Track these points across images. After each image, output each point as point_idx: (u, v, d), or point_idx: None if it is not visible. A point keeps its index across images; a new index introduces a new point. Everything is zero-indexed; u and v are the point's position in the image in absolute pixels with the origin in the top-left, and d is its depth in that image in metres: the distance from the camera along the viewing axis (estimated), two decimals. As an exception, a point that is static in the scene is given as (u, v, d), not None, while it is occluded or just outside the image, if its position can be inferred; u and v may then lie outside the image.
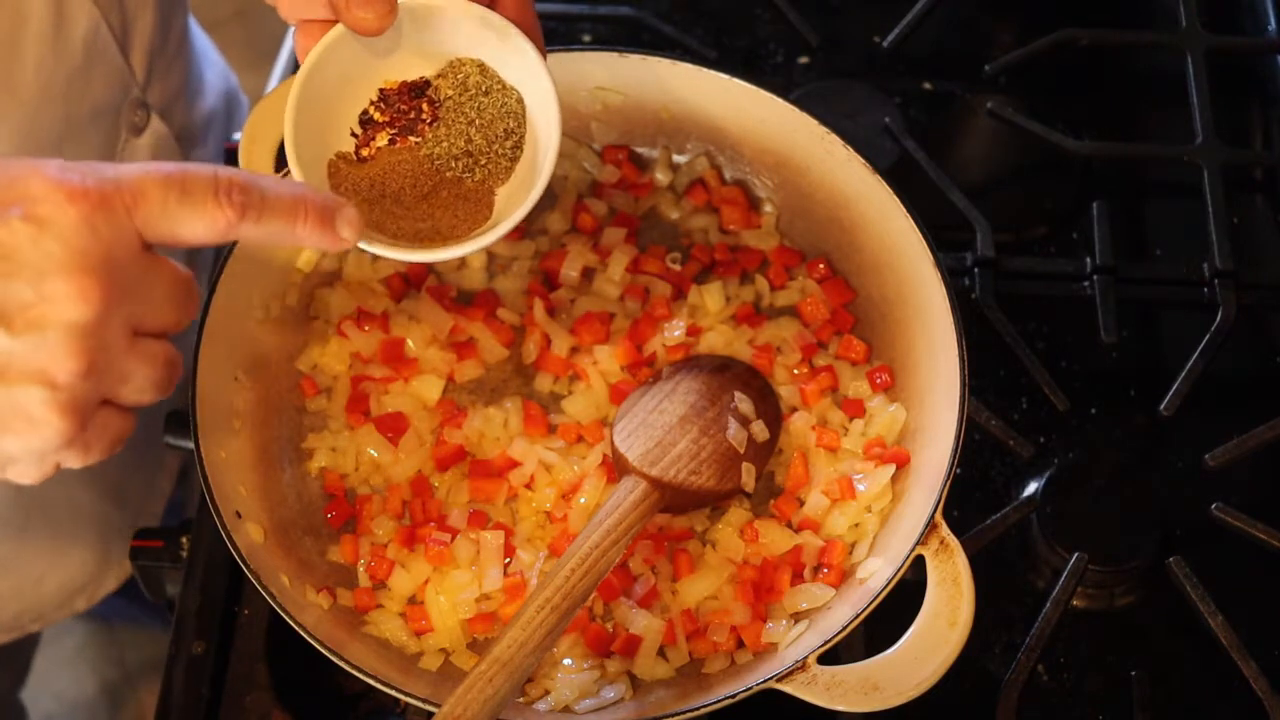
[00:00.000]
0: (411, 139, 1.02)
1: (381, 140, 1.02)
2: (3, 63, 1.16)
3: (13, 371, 0.79)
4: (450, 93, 1.01)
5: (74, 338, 0.79)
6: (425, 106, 1.01)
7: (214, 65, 1.60)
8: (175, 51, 1.42)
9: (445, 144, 1.02)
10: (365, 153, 1.02)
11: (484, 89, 1.02)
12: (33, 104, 1.18)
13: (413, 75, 1.03)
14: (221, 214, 0.84)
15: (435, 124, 1.01)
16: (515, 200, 1.01)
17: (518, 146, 1.02)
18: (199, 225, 0.84)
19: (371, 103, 1.03)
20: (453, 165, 1.02)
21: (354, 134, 1.03)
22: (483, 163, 1.02)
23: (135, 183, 0.82)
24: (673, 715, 1.02)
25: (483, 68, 1.02)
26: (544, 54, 1.02)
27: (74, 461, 0.85)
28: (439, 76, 1.02)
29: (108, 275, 0.80)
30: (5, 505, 1.38)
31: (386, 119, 1.02)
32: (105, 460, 1.47)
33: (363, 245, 0.96)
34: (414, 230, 1.01)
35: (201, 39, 1.59)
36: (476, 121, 1.01)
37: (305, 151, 0.98)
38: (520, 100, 1.02)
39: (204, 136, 1.52)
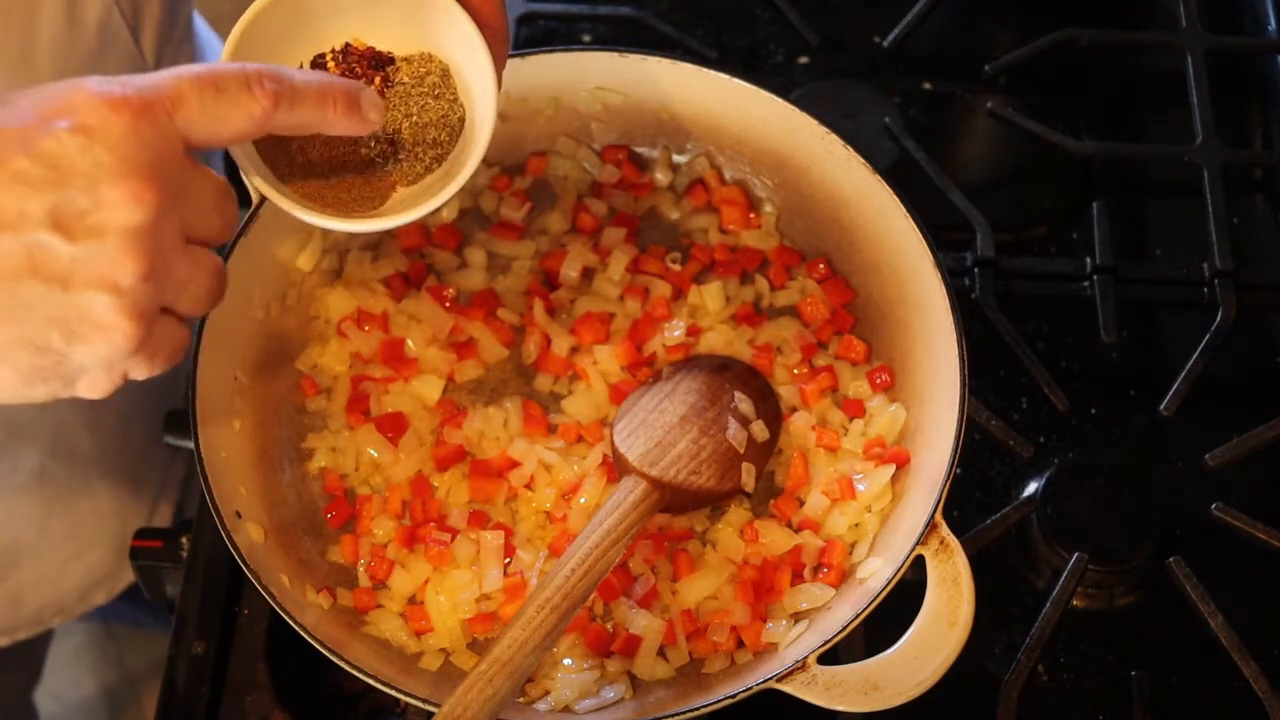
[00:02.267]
0: None
1: None
2: (20, 43, 1.18)
3: (77, 279, 0.80)
4: (406, 80, 1.00)
5: (133, 241, 0.81)
6: (378, 80, 1.00)
7: (217, 55, 1.61)
8: (182, 38, 1.43)
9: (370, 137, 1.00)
10: None
11: (435, 92, 1.00)
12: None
13: (382, 45, 1.02)
14: (257, 104, 0.85)
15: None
16: (411, 202, 1.00)
17: (438, 160, 1.00)
18: (237, 119, 0.85)
19: (332, 50, 1.01)
20: (371, 146, 1.00)
21: (301, 67, 1.01)
22: (400, 157, 1.00)
23: (173, 87, 0.83)
24: (673, 715, 1.02)
25: (446, 74, 1.01)
26: (500, 70, 1.01)
27: (140, 371, 0.86)
28: (406, 61, 1.01)
29: (157, 179, 0.81)
30: (29, 498, 1.39)
31: (338, 72, 1.00)
32: (123, 449, 1.49)
33: (258, 184, 0.96)
34: (305, 187, 1.00)
35: (205, 30, 1.61)
36: (414, 118, 1.00)
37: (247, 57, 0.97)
38: (462, 120, 1.00)
39: None
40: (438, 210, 1.26)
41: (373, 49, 1.01)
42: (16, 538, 1.41)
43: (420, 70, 1.00)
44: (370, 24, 1.01)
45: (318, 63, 1.01)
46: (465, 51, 1.00)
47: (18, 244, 0.79)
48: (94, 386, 0.86)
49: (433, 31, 1.01)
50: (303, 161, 1.00)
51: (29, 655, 1.68)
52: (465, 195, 1.28)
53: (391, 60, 1.01)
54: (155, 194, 0.81)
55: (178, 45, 1.42)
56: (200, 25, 1.60)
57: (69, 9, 1.19)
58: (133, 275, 0.81)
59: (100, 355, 0.83)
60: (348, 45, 1.00)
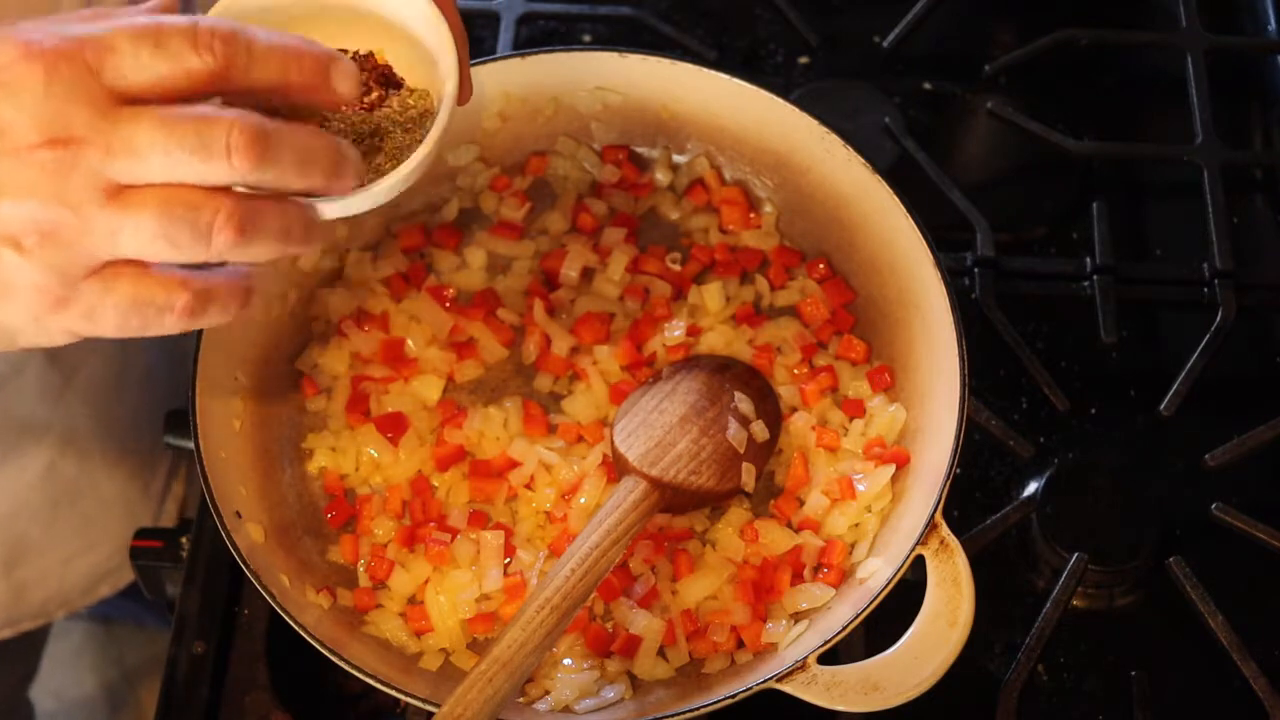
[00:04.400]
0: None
1: None
2: None
3: None
4: (394, 107, 1.00)
5: (29, 200, 0.78)
6: (374, 97, 1.00)
7: None
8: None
9: (343, 129, 0.98)
10: None
11: (408, 126, 1.00)
12: None
13: (385, 55, 1.02)
14: (200, 64, 0.80)
15: (360, 111, 1.00)
16: (323, 203, 0.99)
17: (362, 185, 1.00)
18: (175, 75, 0.80)
19: (355, 53, 1.00)
20: None
21: None
22: None
23: (103, 38, 0.79)
24: (673, 715, 1.02)
25: (427, 114, 1.00)
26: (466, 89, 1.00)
27: (88, 327, 0.83)
28: (409, 92, 1.01)
29: (56, 134, 0.78)
30: (37, 495, 1.39)
31: None
32: (131, 447, 1.49)
33: None
34: None
35: None
36: (375, 140, 0.99)
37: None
38: (409, 166, 0.99)
39: None
40: (438, 210, 1.26)
41: (389, 67, 1.01)
42: (24, 533, 1.41)
43: (409, 102, 1.01)
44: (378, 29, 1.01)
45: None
46: (439, 56, 1.00)
47: None
48: (38, 341, 0.84)
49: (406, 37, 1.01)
50: None
51: (27, 650, 1.68)
52: (465, 195, 1.28)
53: (400, 85, 1.01)
54: (51, 149, 0.77)
55: None
56: None
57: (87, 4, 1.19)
58: (30, 235, 0.79)
59: (19, 311, 0.82)
60: (370, 54, 1.01)
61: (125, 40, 0.79)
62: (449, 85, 0.99)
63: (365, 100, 0.99)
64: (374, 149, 0.99)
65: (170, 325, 0.85)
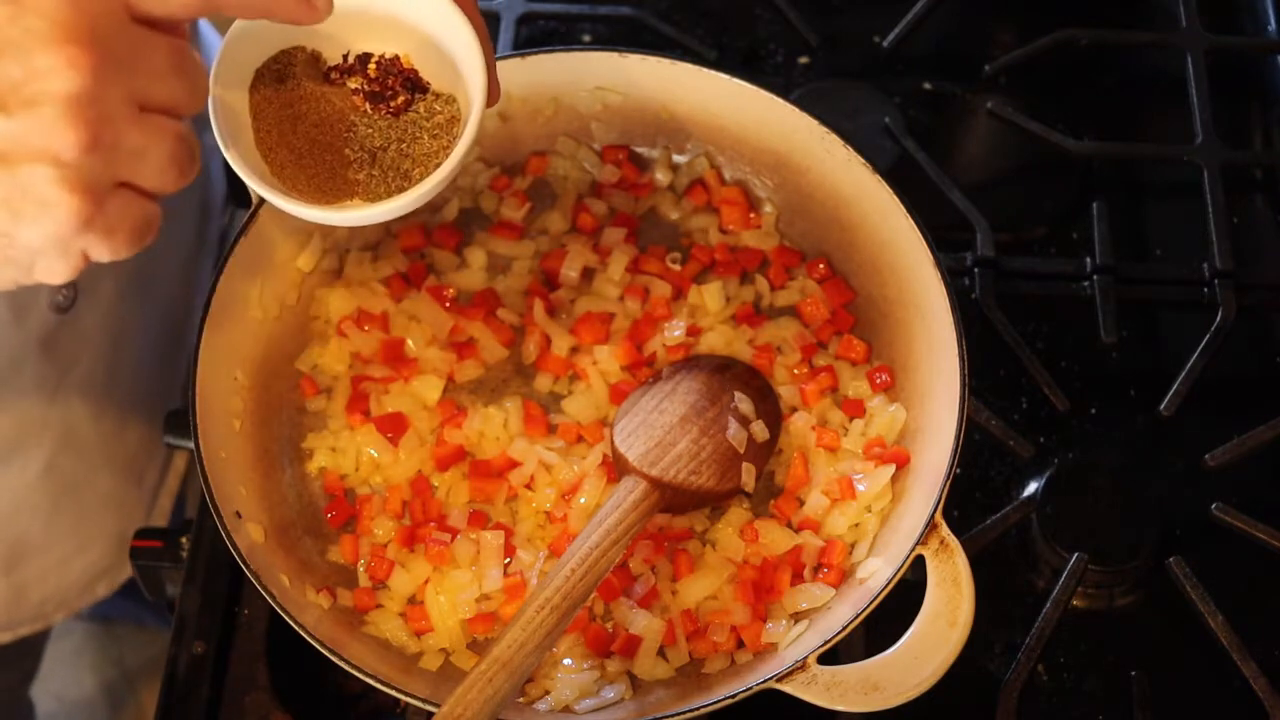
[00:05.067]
0: (365, 104, 1.01)
1: (352, 82, 1.01)
2: None
3: (16, 153, 0.77)
4: (420, 111, 1.01)
5: (71, 108, 0.77)
6: (400, 101, 1.00)
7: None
8: (189, 37, 1.43)
9: (371, 133, 1.00)
10: (334, 75, 1.01)
11: (435, 132, 1.00)
12: None
13: (409, 60, 1.02)
14: None
15: (387, 115, 1.00)
16: (355, 210, 1.00)
17: (400, 190, 1.00)
18: (188, 4, 0.81)
19: (380, 56, 1.02)
20: (355, 148, 1.00)
21: (345, 56, 1.01)
22: (373, 173, 0.99)
23: None
24: (673, 715, 1.02)
25: (454, 120, 1.01)
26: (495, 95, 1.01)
27: (100, 251, 0.83)
28: (434, 97, 1.02)
29: (95, 44, 0.77)
30: (37, 494, 1.39)
31: (374, 75, 1.01)
32: (125, 442, 1.49)
33: (224, 151, 0.95)
34: (273, 156, 0.99)
35: (210, 33, 1.61)
36: (404, 145, 1.00)
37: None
38: (439, 170, 1.00)
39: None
40: (438, 210, 1.27)
41: (415, 71, 1.01)
42: (24, 533, 1.41)
43: (435, 107, 1.01)
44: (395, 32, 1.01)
45: (363, 57, 1.00)
46: (466, 67, 1.00)
47: None
48: (51, 271, 0.83)
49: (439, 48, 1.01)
50: (289, 134, 0.99)
51: (27, 652, 1.68)
52: (465, 195, 1.28)
53: (426, 90, 1.01)
54: (92, 58, 0.77)
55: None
56: (205, 30, 1.61)
57: None
58: (74, 146, 0.77)
59: (48, 232, 0.80)
60: (396, 58, 1.01)
61: None
62: (477, 90, 0.99)
63: (392, 104, 1.00)
64: (402, 154, 0.99)
65: (151, 239, 0.86)
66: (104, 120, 0.78)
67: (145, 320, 1.47)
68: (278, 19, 0.88)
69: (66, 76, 0.76)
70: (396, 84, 1.01)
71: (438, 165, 0.99)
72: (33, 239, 0.81)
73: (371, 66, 1.01)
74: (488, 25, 1.48)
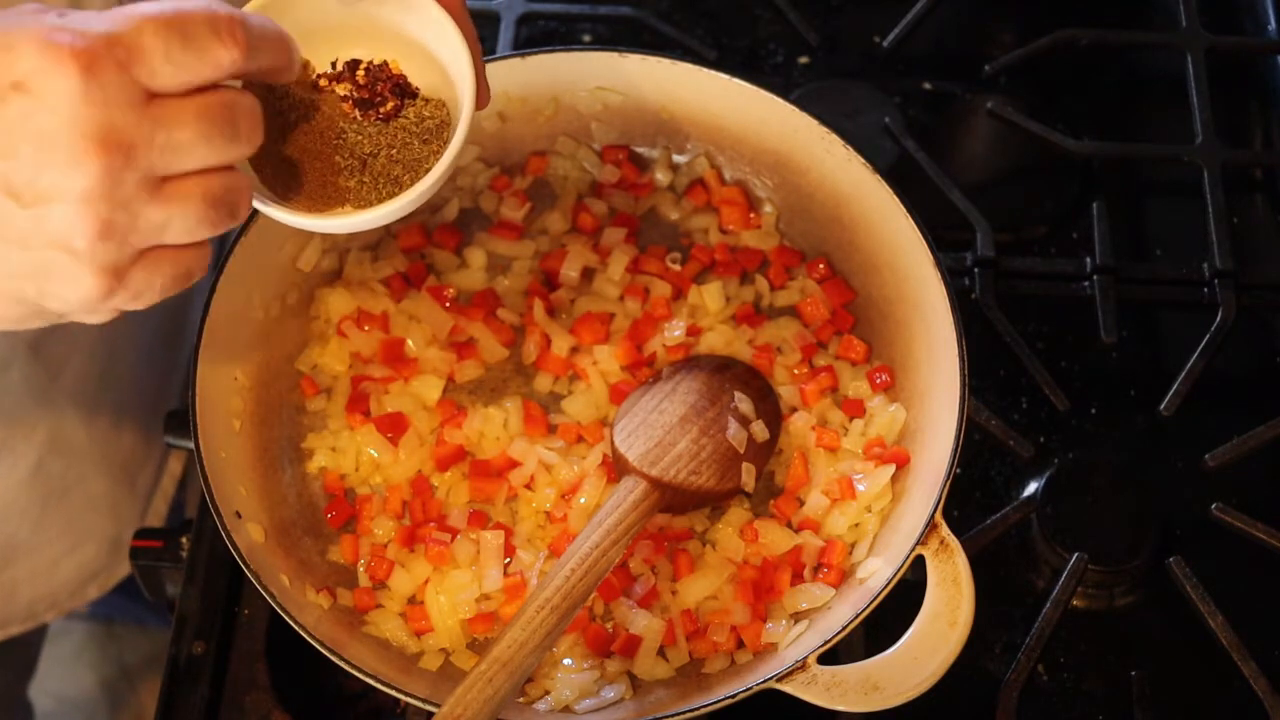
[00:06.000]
0: (354, 110, 1.00)
1: (341, 89, 1.01)
2: None
3: (34, 241, 0.80)
4: (410, 117, 1.00)
5: (81, 205, 0.79)
6: (389, 107, 1.00)
7: None
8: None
9: (361, 140, 1.00)
10: (322, 82, 1.01)
11: (425, 138, 1.00)
12: None
13: (406, 71, 1.02)
14: (226, 53, 0.81)
15: (376, 122, 1.00)
16: (346, 217, 0.99)
17: (390, 196, 1.00)
18: (205, 68, 0.81)
19: (369, 63, 1.02)
20: (345, 155, 1.00)
21: (333, 63, 1.01)
22: (364, 180, 0.99)
23: (131, 35, 0.79)
24: (673, 715, 1.02)
25: (444, 125, 1.01)
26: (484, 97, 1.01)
27: (133, 305, 0.85)
28: (423, 102, 1.01)
29: (108, 139, 0.78)
30: (26, 494, 1.39)
31: (363, 82, 1.00)
32: (118, 445, 1.49)
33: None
34: (259, 163, 0.99)
35: None
36: (394, 151, 0.99)
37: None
38: (429, 175, 1.00)
39: None
40: (438, 210, 1.26)
41: (404, 77, 1.01)
42: (13, 533, 1.41)
43: (425, 112, 1.01)
44: (383, 39, 1.01)
45: (351, 63, 1.00)
46: (454, 68, 1.00)
47: None
48: (88, 319, 0.86)
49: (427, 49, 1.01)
50: (279, 142, 0.99)
51: (23, 652, 1.68)
52: (465, 195, 1.28)
53: (415, 96, 1.01)
54: (104, 155, 0.78)
55: None
56: None
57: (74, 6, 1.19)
58: (85, 237, 0.79)
59: (72, 303, 0.83)
60: (384, 64, 1.01)
61: (153, 37, 0.79)
62: (466, 95, 0.99)
63: (381, 110, 1.00)
64: (392, 160, 0.99)
65: (198, 277, 0.89)
66: (117, 208, 0.80)
67: (139, 324, 1.47)
68: (280, 79, 0.90)
69: (77, 175, 0.78)
70: (385, 90, 1.00)
71: (428, 170, 0.99)
72: (60, 307, 0.84)
73: (360, 73, 1.00)
74: (488, 26, 1.49)
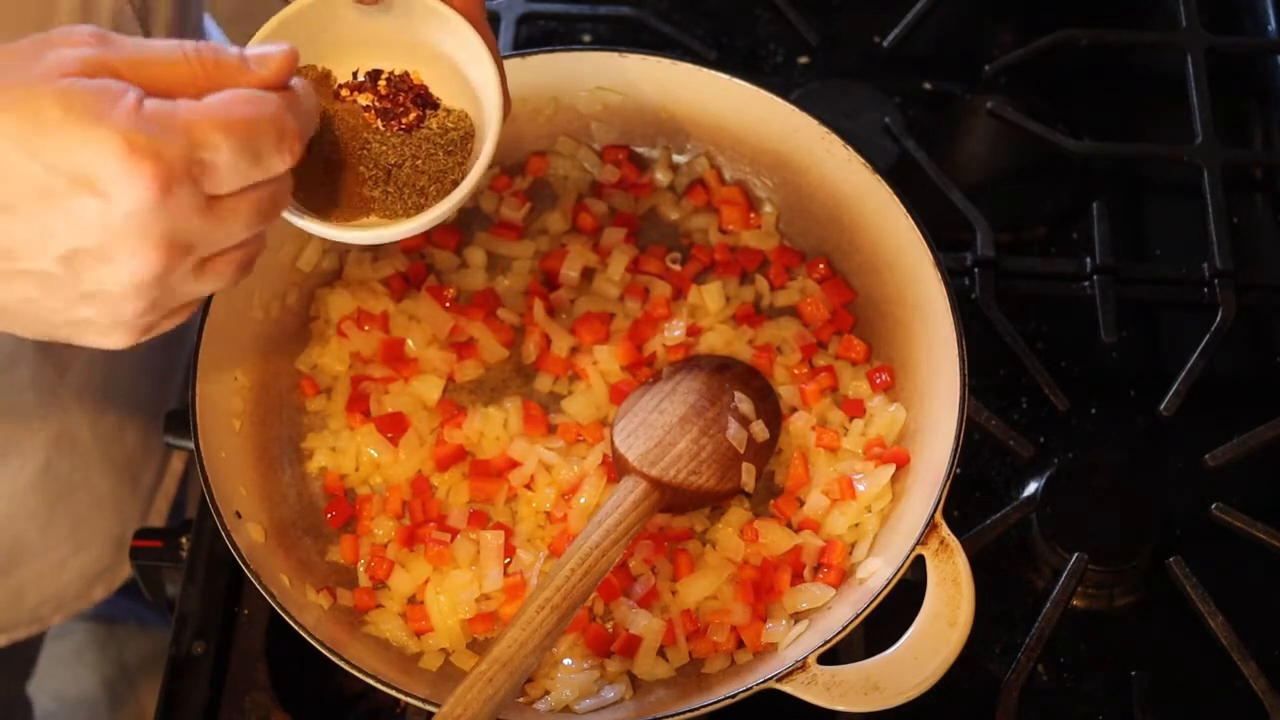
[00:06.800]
0: (376, 121, 1.01)
1: (362, 99, 1.01)
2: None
3: (80, 309, 0.86)
4: (433, 128, 1.01)
5: (134, 291, 0.84)
6: (411, 117, 1.00)
7: None
8: (193, 39, 1.43)
9: (385, 150, 1.00)
10: (344, 93, 1.01)
11: (449, 149, 1.00)
12: None
13: (427, 79, 1.02)
14: (282, 164, 0.86)
15: (400, 132, 1.00)
16: (374, 230, 1.00)
17: (417, 208, 1.00)
18: (260, 176, 0.86)
19: (389, 72, 1.02)
20: (369, 165, 1.00)
21: (355, 74, 1.02)
22: (389, 190, 1.00)
23: (209, 152, 0.82)
24: (673, 715, 1.02)
25: (469, 136, 1.01)
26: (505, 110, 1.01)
27: (166, 331, 0.91)
28: (445, 113, 1.02)
29: (172, 244, 0.83)
30: (33, 495, 1.40)
31: (384, 92, 1.01)
32: (121, 443, 1.50)
33: None
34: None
35: (215, 33, 1.61)
36: (419, 163, 1.00)
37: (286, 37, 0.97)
38: (455, 184, 1.00)
39: None
40: None
41: (425, 87, 1.01)
42: (21, 534, 1.42)
43: (448, 123, 1.01)
44: (397, 48, 1.01)
45: (373, 73, 1.01)
46: (484, 91, 1.01)
47: (31, 271, 0.83)
48: (115, 345, 0.91)
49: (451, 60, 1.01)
50: (303, 153, 0.99)
51: (23, 654, 1.68)
52: (465, 195, 1.28)
53: (436, 106, 1.01)
54: (165, 256, 0.83)
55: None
56: (211, 30, 1.60)
57: (84, 6, 1.19)
58: (131, 314, 0.86)
59: (103, 344, 0.89)
60: (405, 74, 1.01)
61: (228, 154, 0.83)
62: (493, 106, 0.99)
63: (403, 120, 1.00)
64: (417, 171, 0.99)
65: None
66: (166, 291, 0.86)
67: None
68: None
69: (136, 268, 0.83)
70: (407, 100, 1.01)
71: (454, 181, 1.00)
72: (89, 344, 0.90)
73: (381, 83, 1.01)
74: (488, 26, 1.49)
